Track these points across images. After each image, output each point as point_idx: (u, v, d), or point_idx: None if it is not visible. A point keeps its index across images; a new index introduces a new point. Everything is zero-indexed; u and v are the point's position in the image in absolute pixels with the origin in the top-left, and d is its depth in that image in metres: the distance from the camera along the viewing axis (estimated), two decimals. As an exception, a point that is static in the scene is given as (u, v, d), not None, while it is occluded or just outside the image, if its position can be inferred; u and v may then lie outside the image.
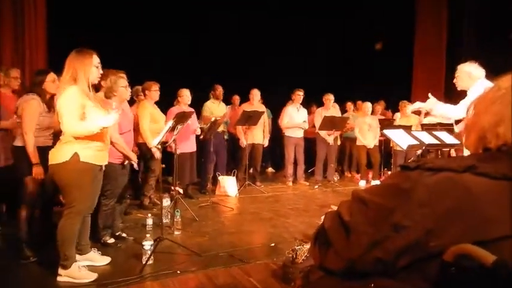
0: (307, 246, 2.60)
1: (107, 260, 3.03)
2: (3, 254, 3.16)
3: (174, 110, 4.85)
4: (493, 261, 0.67)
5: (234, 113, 6.56)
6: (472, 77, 3.20)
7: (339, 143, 7.12)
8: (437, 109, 3.41)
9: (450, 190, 0.80)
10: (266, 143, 6.49)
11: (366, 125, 6.72)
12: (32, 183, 3.00)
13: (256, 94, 6.31)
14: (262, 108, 6.34)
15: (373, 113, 7.00)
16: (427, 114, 5.98)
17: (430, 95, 3.47)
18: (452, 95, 3.42)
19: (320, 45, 8.54)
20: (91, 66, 2.62)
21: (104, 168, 2.86)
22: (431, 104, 3.43)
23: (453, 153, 5.63)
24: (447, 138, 3.84)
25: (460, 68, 3.32)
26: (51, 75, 3.08)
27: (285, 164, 6.73)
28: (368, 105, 6.79)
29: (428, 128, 5.05)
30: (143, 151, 4.49)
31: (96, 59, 2.67)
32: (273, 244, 3.54)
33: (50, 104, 3.09)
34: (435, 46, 8.05)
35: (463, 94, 3.31)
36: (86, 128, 2.52)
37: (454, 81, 3.37)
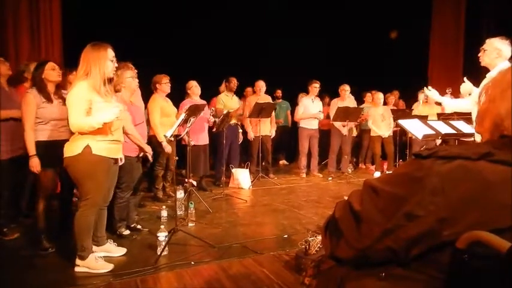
0: (320, 237, 2.59)
1: (122, 251, 3.08)
2: (23, 245, 3.25)
3: (186, 103, 4.87)
4: (508, 248, 0.65)
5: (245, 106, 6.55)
6: (501, 54, 2.90)
7: (354, 134, 7.04)
8: (474, 94, 3.04)
9: (464, 178, 0.78)
10: (273, 134, 6.47)
11: (379, 115, 6.67)
12: (46, 178, 3.04)
13: (262, 86, 6.26)
14: (268, 99, 6.32)
15: (386, 103, 6.92)
16: None
17: (465, 79, 3.14)
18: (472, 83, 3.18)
19: (335, 35, 8.40)
20: (106, 60, 2.60)
21: (120, 161, 2.90)
22: (467, 89, 3.07)
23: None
24: (465, 127, 3.74)
25: (489, 42, 2.98)
26: (50, 64, 3.10)
27: (299, 155, 6.70)
28: (380, 96, 6.72)
29: (444, 117, 4.95)
30: (154, 144, 4.53)
31: (111, 53, 2.65)
32: (286, 235, 3.55)
33: (56, 93, 3.11)
34: (452, 33, 7.85)
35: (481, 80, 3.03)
36: (87, 123, 2.50)
37: (479, 55, 3.04)
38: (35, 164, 2.94)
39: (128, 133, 3.18)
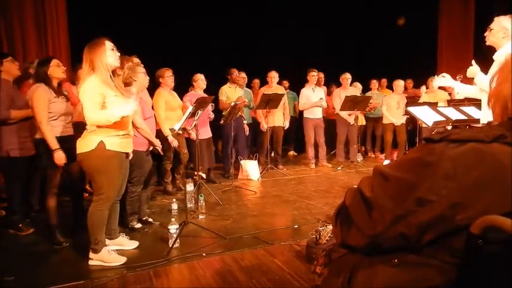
0: (331, 227, 2.59)
1: (135, 244, 3.12)
2: (38, 240, 3.31)
3: (190, 96, 4.86)
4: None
5: (254, 97, 6.52)
6: (508, 34, 2.78)
7: (360, 123, 6.99)
8: (478, 79, 2.96)
9: (477, 161, 0.77)
10: (287, 125, 6.44)
11: (395, 103, 6.60)
12: (55, 174, 3.08)
13: (274, 76, 6.23)
14: (281, 90, 6.28)
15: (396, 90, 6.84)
16: None
17: (473, 62, 3.05)
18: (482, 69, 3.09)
19: (342, 23, 8.29)
20: (105, 52, 2.63)
21: (130, 155, 2.93)
22: (472, 72, 2.98)
23: None
24: (475, 113, 3.68)
25: (497, 21, 2.86)
26: (55, 61, 3.14)
27: (306, 146, 6.67)
28: (400, 83, 6.65)
29: (455, 103, 4.87)
30: (160, 138, 4.54)
31: (109, 44, 2.67)
32: (296, 226, 3.55)
33: (59, 90, 3.14)
34: (462, 15, 7.69)
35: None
36: (106, 117, 2.54)
37: (486, 34, 2.94)
38: (61, 157, 2.94)
39: (138, 127, 3.21)
